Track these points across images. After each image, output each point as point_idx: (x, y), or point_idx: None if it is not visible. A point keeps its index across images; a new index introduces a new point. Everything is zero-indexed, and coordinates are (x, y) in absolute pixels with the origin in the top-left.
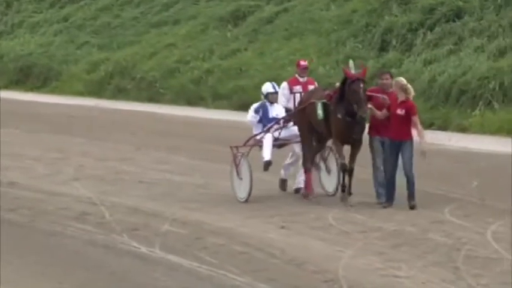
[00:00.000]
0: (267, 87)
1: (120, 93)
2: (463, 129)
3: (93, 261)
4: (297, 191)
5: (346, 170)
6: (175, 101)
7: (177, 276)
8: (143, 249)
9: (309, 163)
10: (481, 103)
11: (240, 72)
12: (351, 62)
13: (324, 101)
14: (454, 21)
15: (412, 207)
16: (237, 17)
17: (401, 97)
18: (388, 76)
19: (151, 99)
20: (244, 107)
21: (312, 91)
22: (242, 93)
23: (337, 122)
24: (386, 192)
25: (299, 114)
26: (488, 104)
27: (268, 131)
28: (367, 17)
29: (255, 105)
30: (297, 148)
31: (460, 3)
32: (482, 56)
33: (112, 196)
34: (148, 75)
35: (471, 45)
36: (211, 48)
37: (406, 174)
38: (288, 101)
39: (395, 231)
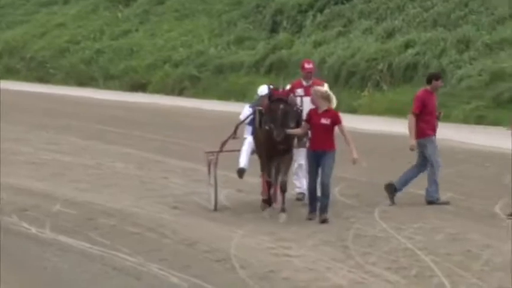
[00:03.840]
0: (263, 90)
1: (9, 73)
2: (352, 110)
3: None
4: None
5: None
6: (65, 81)
7: (68, 257)
8: (33, 230)
9: (266, 171)
10: (369, 84)
11: (131, 53)
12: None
13: (260, 108)
14: (343, 3)
15: (323, 221)
16: None
17: (323, 106)
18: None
19: (42, 79)
20: (136, 88)
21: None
22: (133, 73)
23: (260, 132)
24: (309, 204)
25: None
26: (377, 85)
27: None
28: None
29: (249, 105)
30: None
31: None
32: (370, 37)
33: (1, 177)
34: (39, 55)
35: (360, 27)
36: (102, 28)
37: (322, 185)
38: None
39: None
